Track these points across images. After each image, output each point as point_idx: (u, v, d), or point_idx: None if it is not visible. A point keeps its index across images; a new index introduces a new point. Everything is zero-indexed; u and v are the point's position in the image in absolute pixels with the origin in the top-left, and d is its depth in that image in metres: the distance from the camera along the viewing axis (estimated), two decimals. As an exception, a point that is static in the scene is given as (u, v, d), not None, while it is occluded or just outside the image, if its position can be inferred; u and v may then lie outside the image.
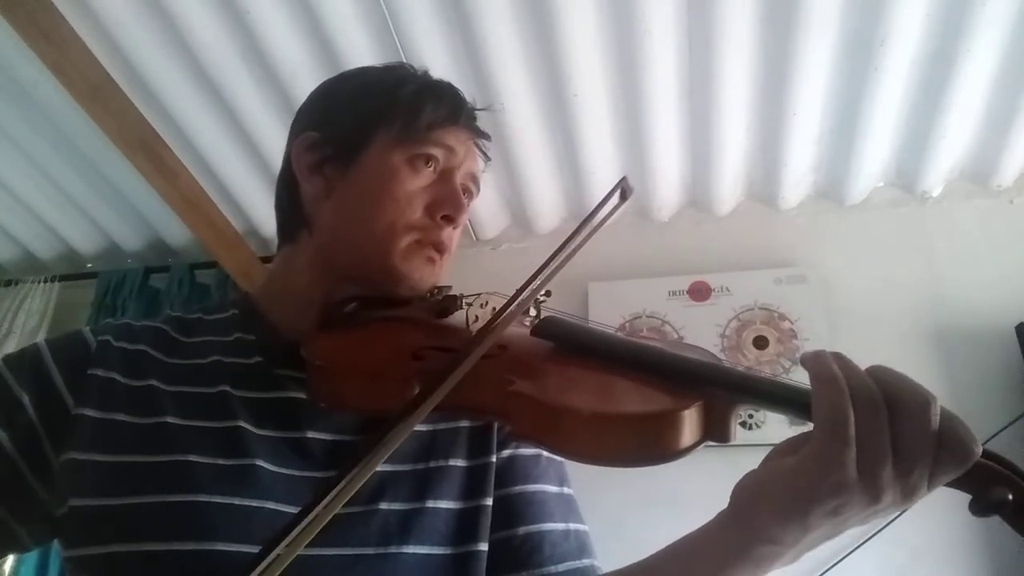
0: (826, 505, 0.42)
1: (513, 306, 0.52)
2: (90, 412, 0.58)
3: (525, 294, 0.54)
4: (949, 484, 0.44)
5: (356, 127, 0.69)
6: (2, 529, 0.58)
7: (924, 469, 0.41)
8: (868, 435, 0.41)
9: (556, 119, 1.76)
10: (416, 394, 0.45)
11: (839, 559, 1.55)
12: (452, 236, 0.70)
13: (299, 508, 0.37)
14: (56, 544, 0.59)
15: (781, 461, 0.46)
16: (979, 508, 0.43)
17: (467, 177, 0.72)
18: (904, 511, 0.44)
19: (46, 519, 0.57)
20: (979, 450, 0.41)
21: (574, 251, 0.58)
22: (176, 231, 2.29)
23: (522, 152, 1.85)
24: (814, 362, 0.44)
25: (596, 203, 0.62)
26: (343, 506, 0.39)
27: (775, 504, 0.45)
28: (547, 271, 0.55)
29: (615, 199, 0.62)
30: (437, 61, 1.56)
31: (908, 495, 0.42)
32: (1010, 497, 0.42)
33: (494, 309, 0.63)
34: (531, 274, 0.55)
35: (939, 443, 0.41)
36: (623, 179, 0.64)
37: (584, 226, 0.58)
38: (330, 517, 0.38)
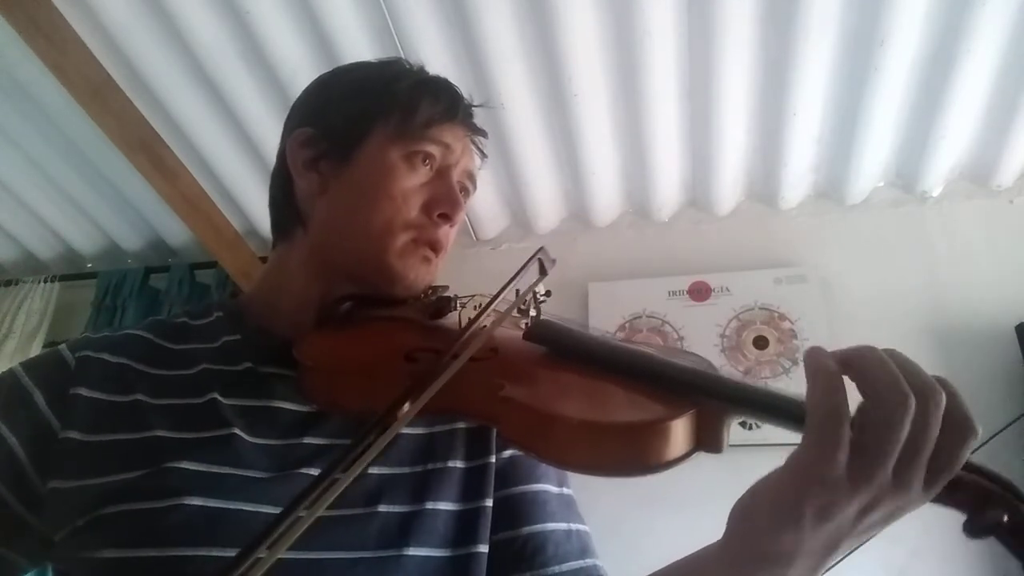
0: (814, 503, 0.40)
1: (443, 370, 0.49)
2: (76, 435, 0.56)
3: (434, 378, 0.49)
4: (945, 503, 0.43)
5: (352, 123, 0.68)
6: None
7: (920, 464, 0.39)
8: (882, 429, 0.39)
9: (556, 119, 1.76)
10: (399, 397, 0.44)
11: (839, 559, 1.55)
12: (449, 235, 0.69)
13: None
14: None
15: (771, 472, 0.44)
16: (974, 529, 0.42)
17: (464, 175, 0.71)
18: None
19: (41, 543, 0.55)
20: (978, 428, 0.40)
21: (497, 322, 0.56)
22: (176, 231, 2.29)
23: (522, 152, 1.84)
24: (809, 355, 0.43)
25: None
26: (343, 507, 0.38)
27: (766, 511, 0.43)
28: (464, 337, 0.51)
29: (534, 272, 0.58)
30: (437, 61, 1.56)
31: (901, 490, 0.40)
32: (1005, 518, 0.41)
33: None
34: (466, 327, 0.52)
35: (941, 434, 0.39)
36: (541, 249, 0.60)
37: (501, 295, 0.54)
38: (312, 520, 0.38)
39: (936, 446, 0.40)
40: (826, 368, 0.42)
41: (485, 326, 0.53)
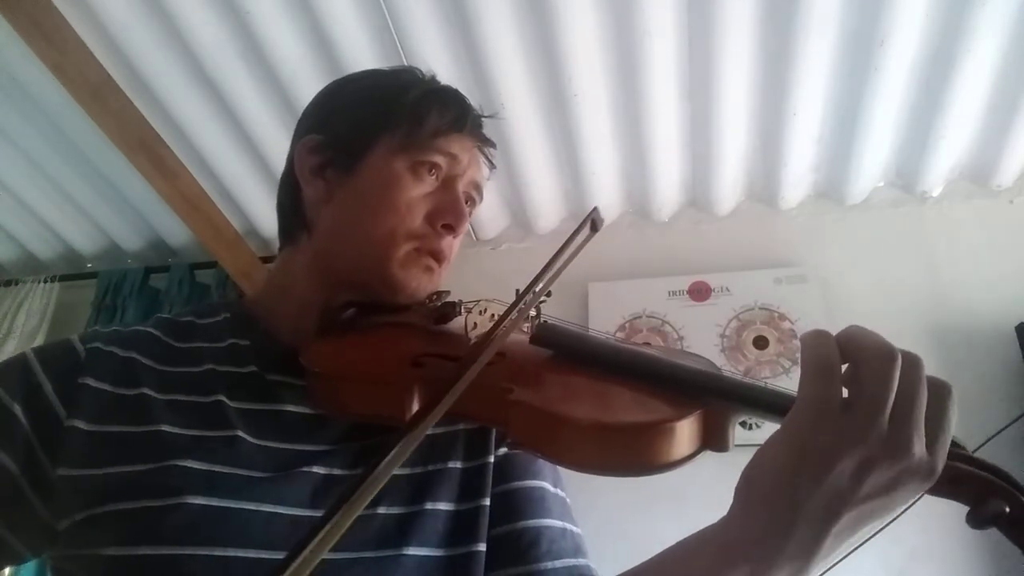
0: (809, 454, 0.41)
1: (506, 321, 0.51)
2: (82, 424, 0.56)
3: (503, 325, 0.52)
4: (948, 495, 0.44)
5: (359, 131, 0.68)
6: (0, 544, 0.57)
7: (915, 421, 0.41)
8: (871, 382, 0.41)
9: (556, 119, 1.76)
10: (425, 404, 0.45)
11: (839, 559, 1.55)
12: (452, 245, 0.69)
13: (291, 510, 0.35)
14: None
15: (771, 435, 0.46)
16: (976, 520, 0.43)
17: (470, 185, 0.72)
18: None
19: (44, 531, 0.56)
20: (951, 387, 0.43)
21: (552, 278, 0.57)
22: (176, 231, 2.29)
23: (522, 152, 1.85)
24: (805, 333, 0.45)
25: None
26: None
27: (766, 471, 0.44)
28: (525, 299, 0.54)
29: (586, 230, 0.60)
30: (437, 61, 1.56)
31: (901, 452, 0.41)
32: (1007, 509, 0.42)
33: (493, 316, 0.63)
34: (515, 298, 0.55)
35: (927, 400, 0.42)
36: (594, 209, 0.62)
37: (558, 256, 0.57)
38: (352, 520, 0.38)
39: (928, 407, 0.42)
40: (816, 331, 0.44)
41: (512, 318, 0.53)
